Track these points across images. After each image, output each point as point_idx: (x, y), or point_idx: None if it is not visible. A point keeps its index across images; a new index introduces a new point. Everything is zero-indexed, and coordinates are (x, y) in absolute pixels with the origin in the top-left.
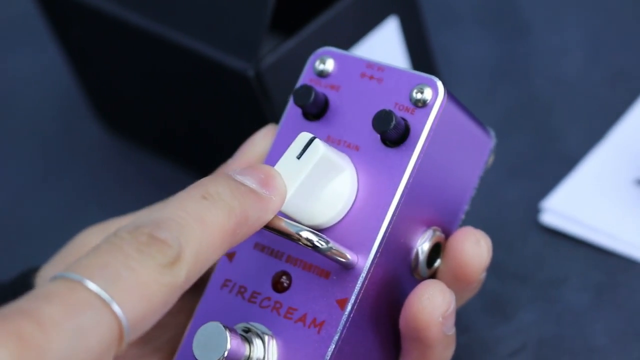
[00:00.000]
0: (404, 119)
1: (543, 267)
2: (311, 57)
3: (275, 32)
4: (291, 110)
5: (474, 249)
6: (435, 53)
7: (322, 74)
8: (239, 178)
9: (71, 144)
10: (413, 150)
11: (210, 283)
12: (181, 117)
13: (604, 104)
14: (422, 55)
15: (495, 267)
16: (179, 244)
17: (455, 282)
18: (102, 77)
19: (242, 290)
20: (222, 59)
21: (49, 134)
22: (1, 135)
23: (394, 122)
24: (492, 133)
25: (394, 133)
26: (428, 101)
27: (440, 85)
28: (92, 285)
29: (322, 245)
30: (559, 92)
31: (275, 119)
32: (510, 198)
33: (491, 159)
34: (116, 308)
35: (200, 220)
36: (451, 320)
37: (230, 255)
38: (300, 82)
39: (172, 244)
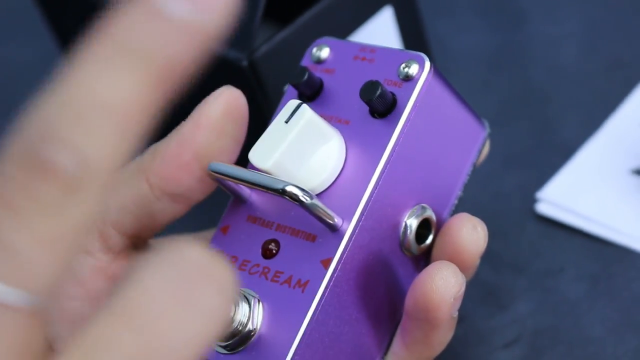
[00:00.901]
0: (392, 93)
1: (539, 257)
2: (310, 47)
3: (270, 22)
4: (289, 93)
5: (471, 234)
6: (431, 43)
7: (318, 61)
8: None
9: None
10: (399, 120)
11: None
12: (175, 106)
13: (601, 94)
14: (417, 46)
15: (490, 257)
16: (80, 159)
17: None
18: None
19: (233, 260)
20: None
21: None
22: None
23: (379, 90)
24: (486, 123)
25: (380, 103)
26: (414, 75)
27: (427, 60)
28: None
29: (306, 199)
30: (556, 82)
31: (269, 108)
32: (506, 188)
33: (486, 149)
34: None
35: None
36: (459, 303)
37: (224, 229)
38: None
39: (68, 163)
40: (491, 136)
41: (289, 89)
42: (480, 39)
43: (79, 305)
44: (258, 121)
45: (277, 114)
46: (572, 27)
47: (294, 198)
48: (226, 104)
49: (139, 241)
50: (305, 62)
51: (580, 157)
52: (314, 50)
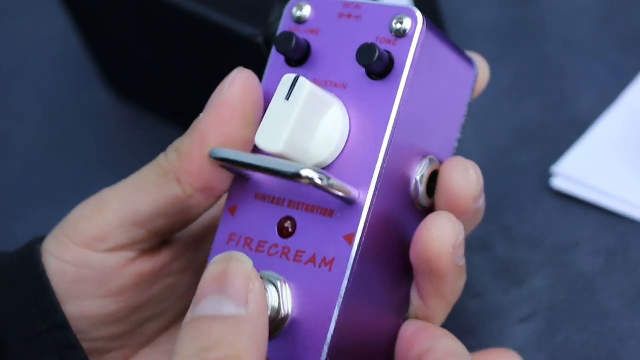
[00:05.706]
0: (387, 51)
1: (554, 232)
2: (287, 6)
3: None
4: (274, 58)
5: (462, 178)
6: (445, 16)
7: (300, 21)
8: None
9: (81, 111)
10: (400, 80)
11: (215, 241)
12: (191, 83)
13: (616, 67)
14: (431, 19)
15: (506, 232)
16: None
17: None
18: (111, 44)
19: (249, 241)
20: (231, 25)
21: (59, 101)
22: (11, 102)
23: (377, 53)
24: (474, 59)
25: (378, 65)
26: (408, 30)
27: (419, 14)
28: None
29: (323, 181)
30: (570, 56)
31: None
32: (521, 162)
33: (483, 82)
34: None
35: None
36: (461, 251)
37: (232, 209)
38: (280, 31)
39: None
40: (506, 110)
41: (273, 53)
42: (494, 13)
43: (102, 303)
44: None
45: (269, 90)
46: (586, 1)
47: (311, 182)
48: (243, 89)
49: (168, 236)
50: (285, 23)
51: (595, 132)
52: (294, 9)
